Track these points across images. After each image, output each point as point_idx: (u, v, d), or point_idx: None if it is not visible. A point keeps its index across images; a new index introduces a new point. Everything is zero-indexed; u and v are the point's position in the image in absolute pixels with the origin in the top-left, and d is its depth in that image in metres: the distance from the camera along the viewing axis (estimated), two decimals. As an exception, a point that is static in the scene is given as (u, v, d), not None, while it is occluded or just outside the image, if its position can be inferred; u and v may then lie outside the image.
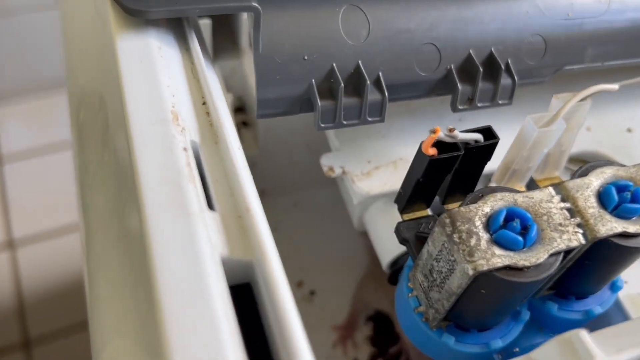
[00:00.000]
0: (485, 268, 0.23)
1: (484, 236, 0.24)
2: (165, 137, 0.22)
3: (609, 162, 0.28)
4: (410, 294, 0.29)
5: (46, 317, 0.81)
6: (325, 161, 0.34)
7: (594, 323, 0.30)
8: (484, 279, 0.23)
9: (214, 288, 0.18)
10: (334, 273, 0.48)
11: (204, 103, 0.25)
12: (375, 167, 0.34)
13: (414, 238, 0.30)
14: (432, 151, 0.26)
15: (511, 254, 0.24)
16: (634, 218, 0.26)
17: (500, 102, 0.33)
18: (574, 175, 0.27)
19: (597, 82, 0.30)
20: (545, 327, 0.31)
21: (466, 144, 0.27)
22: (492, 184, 0.33)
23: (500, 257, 0.23)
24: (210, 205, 0.21)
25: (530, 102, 0.37)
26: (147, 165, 0.21)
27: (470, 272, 0.23)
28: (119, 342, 0.20)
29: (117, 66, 0.25)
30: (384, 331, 0.46)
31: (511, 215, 0.24)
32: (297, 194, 0.51)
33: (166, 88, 0.24)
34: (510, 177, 0.31)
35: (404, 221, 0.30)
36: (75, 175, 0.30)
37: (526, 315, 0.29)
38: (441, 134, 0.25)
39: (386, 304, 0.47)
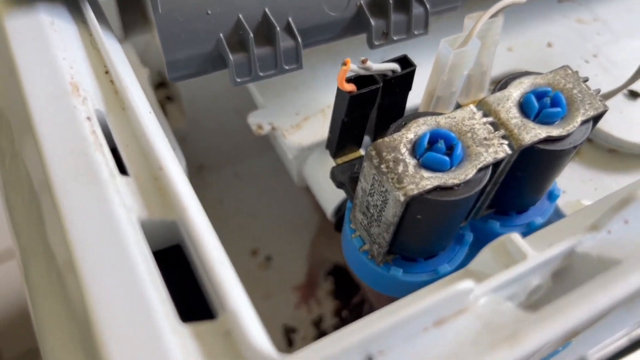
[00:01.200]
0: (415, 192, 0.23)
1: (411, 162, 0.24)
2: (66, 109, 0.21)
3: (526, 73, 0.28)
4: (353, 235, 0.29)
5: (18, 336, 0.79)
6: (253, 119, 0.34)
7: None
8: (416, 203, 0.24)
9: (134, 250, 0.17)
10: (287, 236, 0.48)
11: (106, 72, 0.24)
12: (304, 119, 0.34)
13: (349, 180, 0.30)
14: (350, 87, 0.25)
15: (440, 174, 0.24)
16: (556, 122, 0.26)
17: (416, 32, 0.33)
18: (494, 90, 0.27)
19: None
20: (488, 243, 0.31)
21: (384, 75, 0.27)
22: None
23: (429, 179, 0.23)
24: (122, 171, 0.20)
25: (448, 31, 0.37)
26: (49, 139, 0.20)
27: (402, 199, 0.23)
28: (58, 332, 0.19)
29: (7, 47, 0.24)
30: (344, 283, 0.47)
31: (435, 137, 0.24)
32: (236, 164, 0.50)
33: (62, 61, 0.23)
34: (436, 105, 0.32)
35: (337, 165, 0.30)
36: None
37: (469, 237, 0.29)
38: (353, 66, 0.25)
39: (342, 257, 0.47)
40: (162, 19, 0.27)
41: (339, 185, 0.30)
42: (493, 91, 0.27)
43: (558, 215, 0.33)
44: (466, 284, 0.17)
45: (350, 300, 0.46)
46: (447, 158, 0.24)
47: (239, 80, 0.29)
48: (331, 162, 0.34)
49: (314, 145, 0.34)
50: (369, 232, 0.28)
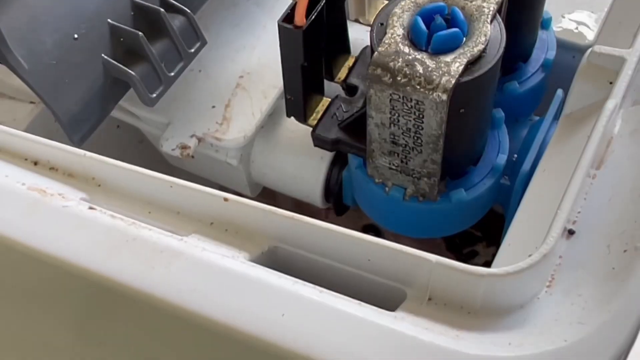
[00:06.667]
0: (453, 82, 0.30)
1: (423, 55, 0.31)
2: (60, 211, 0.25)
3: None
4: (387, 189, 0.35)
5: None
6: (169, 143, 0.38)
7: (553, 73, 0.40)
8: (459, 94, 0.30)
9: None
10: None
11: (35, 163, 0.28)
12: (226, 106, 0.39)
13: (341, 132, 0.36)
14: (302, 18, 0.31)
15: (459, 50, 0.31)
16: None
17: None
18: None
19: None
20: (517, 112, 0.39)
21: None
22: (352, 20, 0.40)
23: (455, 61, 0.30)
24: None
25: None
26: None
27: (444, 97, 0.30)
28: None
29: None
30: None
31: (427, 17, 0.31)
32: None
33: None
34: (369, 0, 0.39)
35: (315, 126, 0.36)
36: None
37: (500, 113, 0.37)
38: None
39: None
40: (33, 73, 0.31)
41: (334, 144, 0.35)
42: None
43: (559, 43, 0.41)
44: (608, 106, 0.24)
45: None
46: (456, 29, 0.31)
47: (154, 95, 0.33)
48: (284, 143, 0.40)
49: (258, 128, 0.39)
50: (406, 170, 0.34)
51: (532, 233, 0.24)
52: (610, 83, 0.27)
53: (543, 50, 0.39)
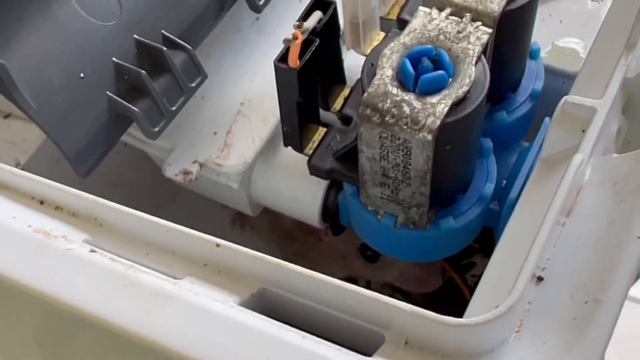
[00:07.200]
0: (438, 123, 0.31)
1: (410, 97, 0.32)
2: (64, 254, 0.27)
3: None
4: (379, 217, 0.37)
5: None
6: (173, 169, 0.40)
7: (543, 99, 0.41)
8: (444, 133, 0.32)
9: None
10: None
11: (41, 202, 0.30)
12: (227, 133, 0.41)
13: (336, 162, 0.37)
14: (295, 61, 0.33)
15: (445, 92, 0.32)
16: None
17: None
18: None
19: None
20: (506, 140, 0.41)
21: (312, 32, 0.35)
22: (350, 51, 0.41)
23: (440, 102, 0.32)
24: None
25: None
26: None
27: (429, 137, 0.31)
28: None
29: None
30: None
31: (414, 59, 0.33)
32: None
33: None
34: (364, 31, 0.40)
35: (311, 155, 0.37)
36: None
37: (488, 143, 0.38)
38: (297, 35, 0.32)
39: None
40: (40, 112, 0.32)
41: (328, 173, 0.37)
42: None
43: (548, 70, 0.43)
44: (575, 161, 0.26)
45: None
46: (442, 72, 0.32)
47: (156, 129, 0.35)
48: (282, 167, 0.42)
49: (258, 154, 0.41)
50: (397, 200, 0.35)
51: (505, 278, 0.26)
52: (583, 131, 0.28)
53: (531, 80, 0.40)
